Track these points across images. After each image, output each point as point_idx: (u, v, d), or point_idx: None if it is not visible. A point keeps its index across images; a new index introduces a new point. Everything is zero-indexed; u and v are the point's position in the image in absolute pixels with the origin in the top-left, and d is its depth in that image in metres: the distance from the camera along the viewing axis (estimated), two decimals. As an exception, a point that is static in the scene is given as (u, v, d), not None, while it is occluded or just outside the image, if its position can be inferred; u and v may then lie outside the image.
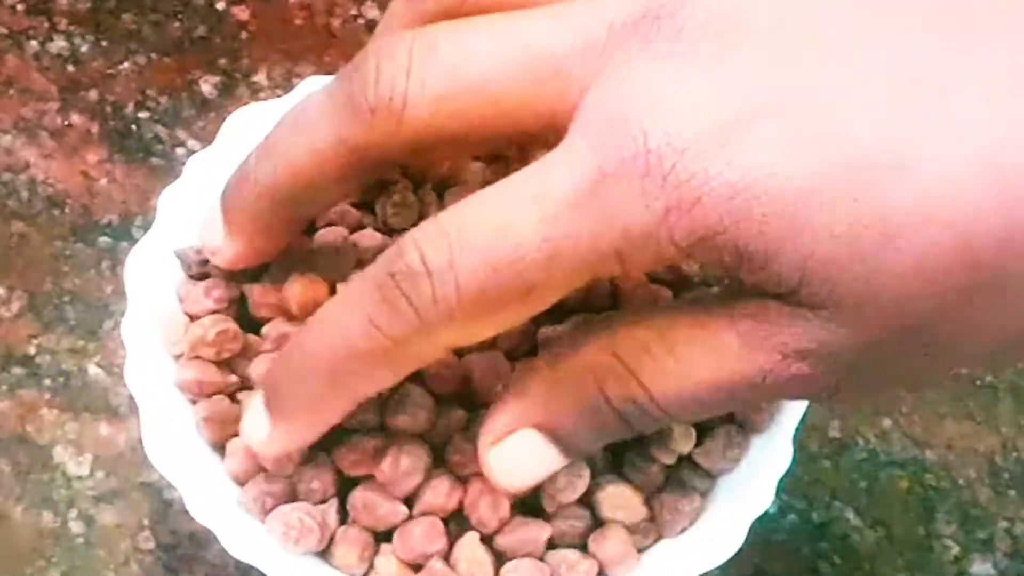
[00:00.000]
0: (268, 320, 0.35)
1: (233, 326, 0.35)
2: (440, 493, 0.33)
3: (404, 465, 0.33)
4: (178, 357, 0.35)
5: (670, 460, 0.35)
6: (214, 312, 0.35)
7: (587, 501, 0.35)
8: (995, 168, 0.24)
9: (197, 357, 0.35)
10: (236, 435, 0.34)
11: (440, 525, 0.33)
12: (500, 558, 0.33)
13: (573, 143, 0.26)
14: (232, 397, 0.35)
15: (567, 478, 0.33)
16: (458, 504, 0.33)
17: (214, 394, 0.35)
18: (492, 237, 0.26)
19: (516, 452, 0.29)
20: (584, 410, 0.28)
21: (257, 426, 0.31)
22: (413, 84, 0.27)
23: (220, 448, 0.35)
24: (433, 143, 0.28)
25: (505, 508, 0.33)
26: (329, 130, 0.29)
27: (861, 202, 0.24)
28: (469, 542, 0.33)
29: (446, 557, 0.33)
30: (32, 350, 0.42)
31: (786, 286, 0.25)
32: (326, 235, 0.36)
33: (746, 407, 0.34)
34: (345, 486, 0.34)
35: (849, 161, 0.24)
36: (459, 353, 0.33)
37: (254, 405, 0.31)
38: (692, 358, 0.27)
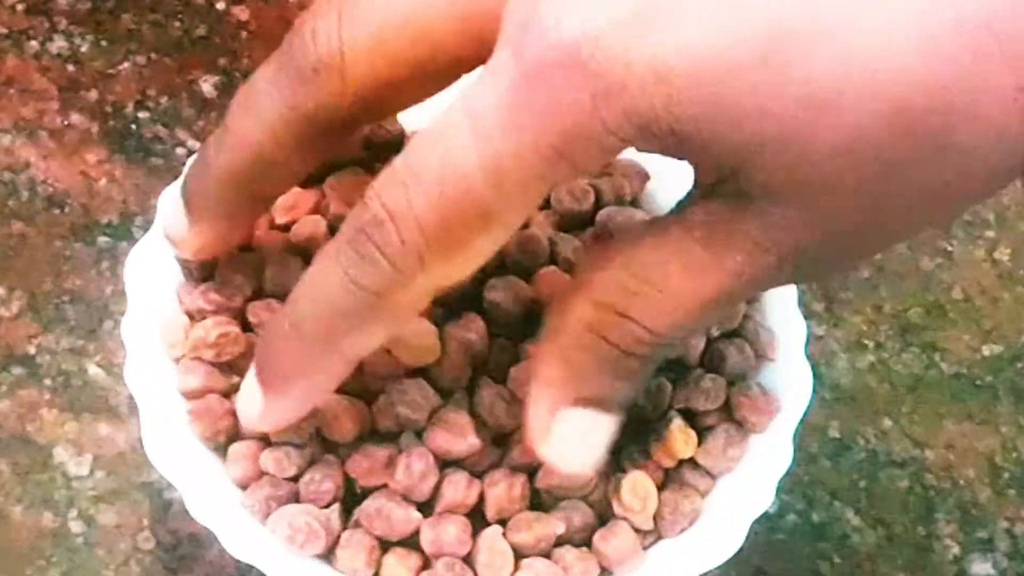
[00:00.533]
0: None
1: (235, 328, 0.35)
2: (460, 488, 0.33)
3: (417, 469, 0.33)
4: (178, 360, 0.35)
5: (671, 464, 0.35)
6: (214, 314, 0.35)
7: (594, 497, 0.35)
8: (924, 29, 0.23)
9: (198, 358, 0.35)
10: (226, 430, 0.34)
11: (469, 527, 0.33)
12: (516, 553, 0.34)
13: (497, 55, 0.26)
14: (229, 397, 0.35)
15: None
16: (478, 498, 0.33)
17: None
18: (438, 169, 0.26)
19: (567, 435, 0.29)
20: (603, 366, 0.28)
21: (251, 400, 0.31)
22: (347, 36, 0.27)
23: (211, 443, 0.35)
24: (379, 93, 0.28)
25: (520, 492, 0.33)
26: (279, 101, 0.29)
27: (787, 75, 0.24)
28: (492, 534, 0.33)
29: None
30: (32, 350, 0.42)
31: (729, 170, 0.25)
32: (306, 224, 0.36)
33: (738, 306, 0.34)
34: (350, 495, 0.34)
35: (771, 32, 0.24)
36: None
37: (247, 380, 0.31)
38: (668, 280, 0.27)
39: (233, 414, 0.34)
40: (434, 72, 0.28)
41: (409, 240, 0.26)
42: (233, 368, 0.35)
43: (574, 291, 0.28)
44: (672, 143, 0.25)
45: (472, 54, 0.27)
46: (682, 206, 0.28)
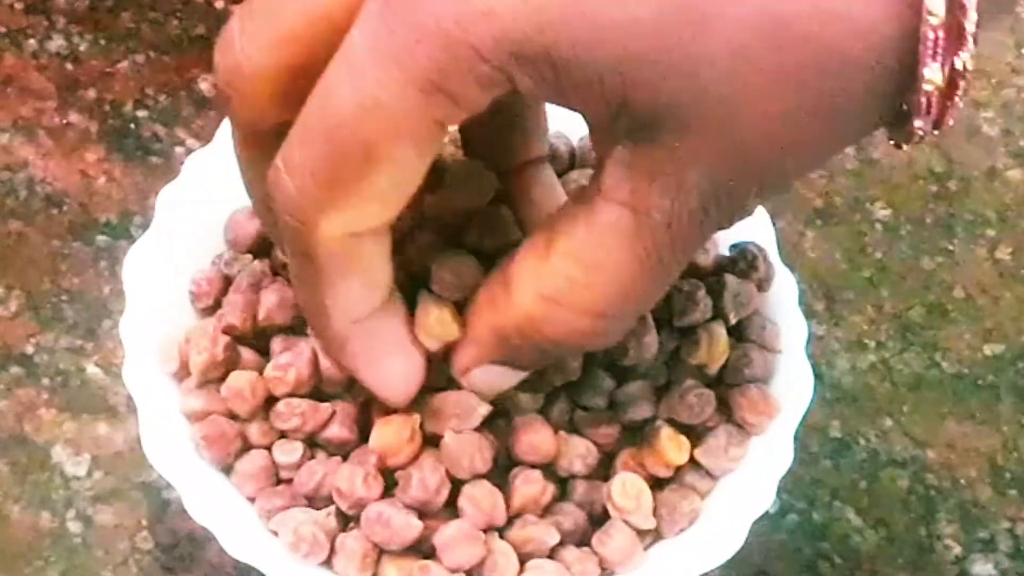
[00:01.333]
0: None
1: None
2: (483, 494, 0.33)
3: (432, 483, 0.33)
4: (173, 375, 0.35)
5: (667, 473, 0.35)
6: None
7: (582, 499, 0.35)
8: None
9: (207, 383, 0.35)
10: (236, 452, 0.35)
11: (481, 536, 0.33)
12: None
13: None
14: (233, 416, 0.35)
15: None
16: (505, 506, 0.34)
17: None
18: (320, 113, 0.26)
19: (482, 379, 0.31)
20: (536, 352, 0.29)
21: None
22: (246, 42, 0.27)
23: (222, 465, 0.35)
24: (296, 83, 0.27)
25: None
26: (234, 139, 0.30)
27: None
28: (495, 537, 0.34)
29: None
30: (30, 349, 0.42)
31: (616, 99, 0.25)
32: None
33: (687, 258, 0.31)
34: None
35: None
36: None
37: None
38: (609, 256, 0.27)
39: (242, 435, 0.34)
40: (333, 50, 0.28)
41: (300, 187, 0.27)
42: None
43: (520, 277, 0.28)
44: (549, 72, 0.24)
45: None
46: (594, 176, 0.27)
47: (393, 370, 0.31)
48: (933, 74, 0.24)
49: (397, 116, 0.25)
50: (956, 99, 0.25)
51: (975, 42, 0.24)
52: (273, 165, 0.27)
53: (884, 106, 0.25)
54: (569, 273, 0.27)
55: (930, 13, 0.24)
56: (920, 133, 0.25)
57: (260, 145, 0.29)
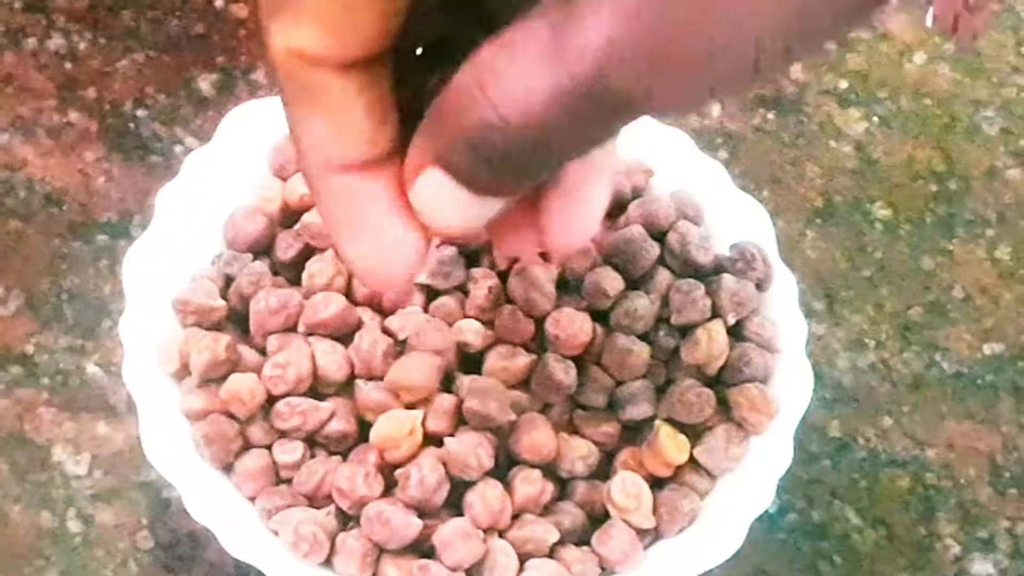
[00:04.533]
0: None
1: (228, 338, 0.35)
2: (495, 495, 0.33)
3: (431, 481, 0.33)
4: (173, 375, 0.35)
5: (667, 472, 0.35)
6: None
7: (592, 497, 0.35)
8: None
9: (207, 382, 0.35)
10: (236, 451, 0.35)
11: (480, 534, 0.33)
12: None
13: None
14: (232, 416, 0.35)
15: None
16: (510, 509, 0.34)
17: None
18: None
19: (429, 190, 0.27)
20: (461, 140, 0.26)
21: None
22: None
23: (221, 464, 0.35)
24: None
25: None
26: None
27: None
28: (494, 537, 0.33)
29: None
30: (30, 349, 0.42)
31: None
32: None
33: (603, 128, 0.27)
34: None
35: None
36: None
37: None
38: (523, 64, 0.24)
39: (242, 434, 0.35)
40: None
41: None
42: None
43: (463, 67, 0.26)
44: None
45: None
46: None
47: (368, 249, 0.27)
48: None
49: None
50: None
51: None
52: None
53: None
54: (490, 63, 0.25)
55: None
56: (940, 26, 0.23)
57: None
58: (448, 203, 0.27)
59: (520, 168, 0.27)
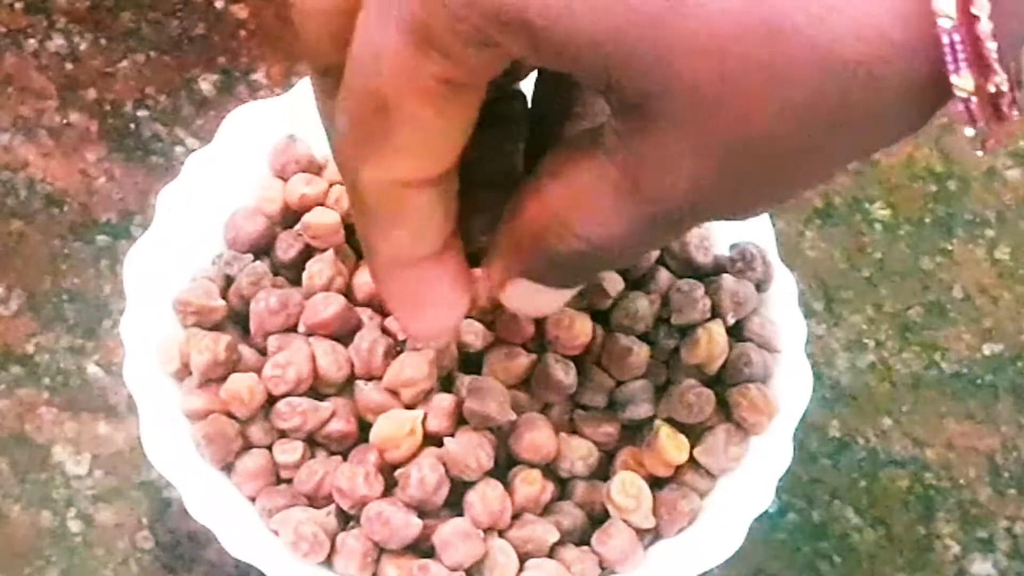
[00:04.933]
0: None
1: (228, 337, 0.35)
2: (495, 495, 0.33)
3: (431, 481, 0.33)
4: (174, 375, 0.36)
5: (667, 473, 0.35)
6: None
7: (592, 497, 0.35)
8: None
9: (208, 382, 0.35)
10: (237, 451, 0.35)
11: (480, 534, 0.33)
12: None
13: None
14: (232, 416, 0.35)
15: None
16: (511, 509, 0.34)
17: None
18: (349, 61, 0.26)
19: (519, 294, 0.30)
20: (546, 259, 0.28)
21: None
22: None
23: (221, 464, 0.35)
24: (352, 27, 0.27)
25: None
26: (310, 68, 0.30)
27: None
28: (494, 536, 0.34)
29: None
30: (31, 349, 0.42)
31: (600, 72, 0.24)
32: None
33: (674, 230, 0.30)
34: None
35: None
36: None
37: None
38: (600, 200, 0.26)
39: (243, 434, 0.35)
40: None
41: (340, 132, 0.27)
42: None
43: (529, 192, 0.28)
44: (528, 40, 0.24)
45: None
46: (603, 126, 0.27)
47: (429, 317, 0.30)
48: (963, 81, 0.22)
49: (398, 69, 0.25)
50: (1009, 98, 0.22)
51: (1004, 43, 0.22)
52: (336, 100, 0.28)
53: (909, 113, 0.24)
54: (571, 199, 0.27)
55: (941, 15, 0.22)
56: (980, 139, 0.24)
57: (328, 78, 0.29)
58: (534, 298, 0.30)
59: (597, 269, 0.31)
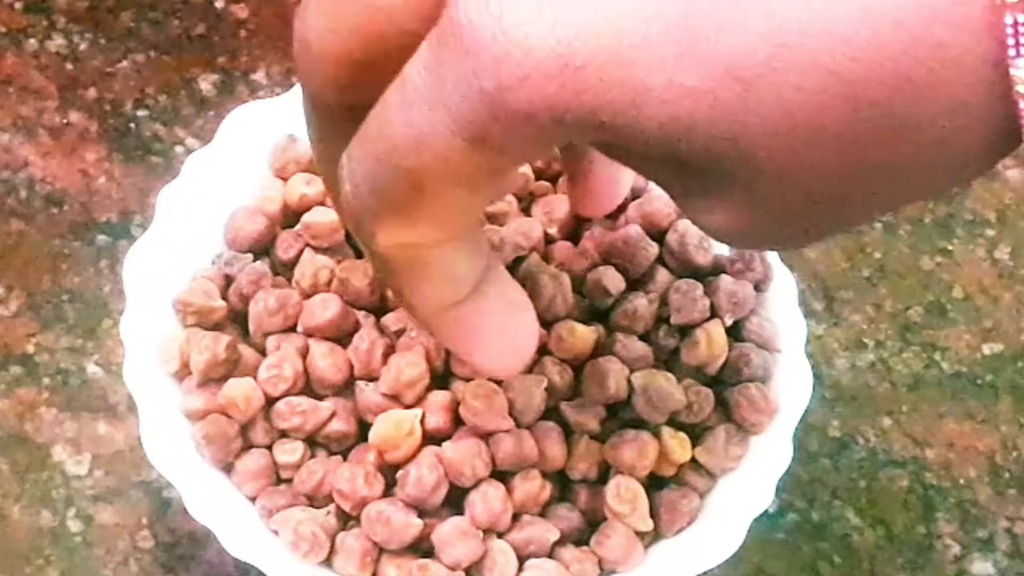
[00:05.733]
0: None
1: (228, 338, 0.35)
2: (497, 496, 0.33)
3: (429, 480, 0.33)
4: (174, 375, 0.36)
5: (671, 471, 0.35)
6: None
7: (593, 498, 0.35)
8: None
9: (208, 382, 0.35)
10: (236, 451, 0.35)
11: (479, 533, 0.33)
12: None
13: (441, 19, 0.24)
14: (231, 416, 0.35)
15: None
16: (511, 508, 0.34)
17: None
18: (377, 129, 0.25)
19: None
20: None
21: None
22: (317, 19, 0.27)
23: (222, 464, 0.35)
24: (363, 76, 0.27)
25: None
26: (304, 104, 0.29)
27: (708, 46, 0.22)
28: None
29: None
30: (31, 349, 0.42)
31: (664, 155, 0.24)
32: None
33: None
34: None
35: (687, 2, 0.22)
36: None
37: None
38: None
39: (243, 434, 0.35)
40: (397, 50, 0.27)
41: (356, 195, 0.26)
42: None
43: None
44: (595, 132, 0.24)
45: (425, 28, 0.26)
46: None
47: (496, 350, 0.30)
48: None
49: (444, 158, 0.25)
50: None
51: None
52: (344, 155, 0.26)
53: (966, 173, 0.24)
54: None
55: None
56: None
57: (328, 118, 0.28)
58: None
59: None
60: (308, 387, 0.35)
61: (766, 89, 0.22)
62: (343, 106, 0.27)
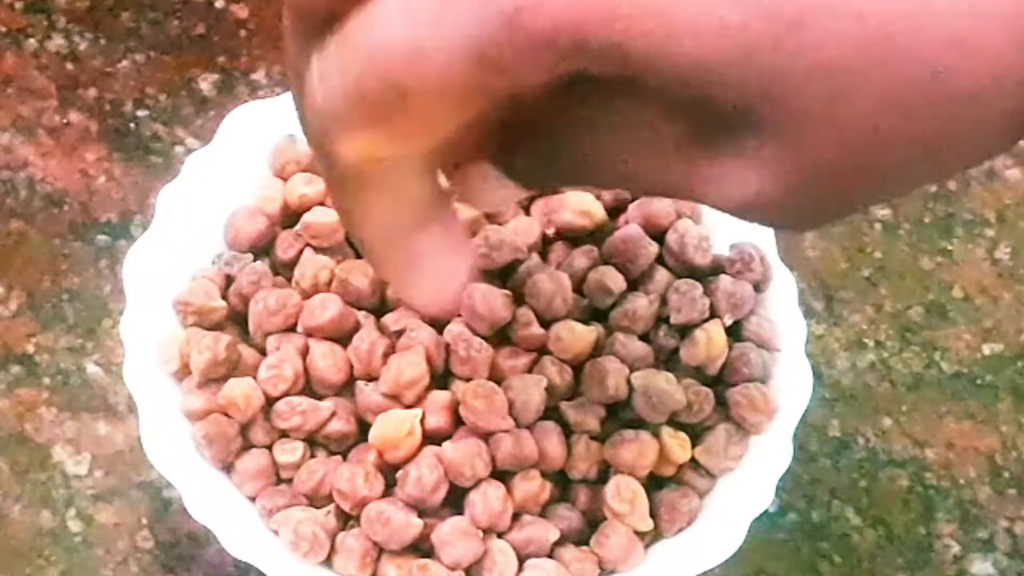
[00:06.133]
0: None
1: (229, 337, 0.35)
2: (497, 496, 0.33)
3: (429, 480, 0.33)
4: (174, 375, 0.36)
5: (671, 471, 0.35)
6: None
7: (593, 498, 0.35)
8: None
9: (208, 382, 0.35)
10: (236, 451, 0.35)
11: (479, 533, 0.33)
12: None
13: None
14: (231, 416, 0.35)
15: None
16: (511, 508, 0.34)
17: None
18: (367, 36, 0.24)
19: (476, 181, 0.29)
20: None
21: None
22: None
23: (221, 464, 0.35)
24: None
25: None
26: (286, 27, 0.28)
27: None
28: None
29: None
30: (31, 349, 0.42)
31: (690, 95, 0.23)
32: None
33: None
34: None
35: None
36: None
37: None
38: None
39: (243, 434, 0.35)
40: None
41: (327, 99, 0.25)
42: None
43: None
44: (618, 64, 0.23)
45: None
46: None
47: (428, 288, 0.29)
48: None
49: (444, 76, 0.23)
50: None
51: None
52: (313, 62, 0.25)
53: (1007, 134, 0.24)
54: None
55: None
56: None
57: (308, 35, 0.27)
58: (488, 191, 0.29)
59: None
60: (308, 387, 0.35)
61: (808, 37, 0.22)
62: (330, 12, 0.26)
